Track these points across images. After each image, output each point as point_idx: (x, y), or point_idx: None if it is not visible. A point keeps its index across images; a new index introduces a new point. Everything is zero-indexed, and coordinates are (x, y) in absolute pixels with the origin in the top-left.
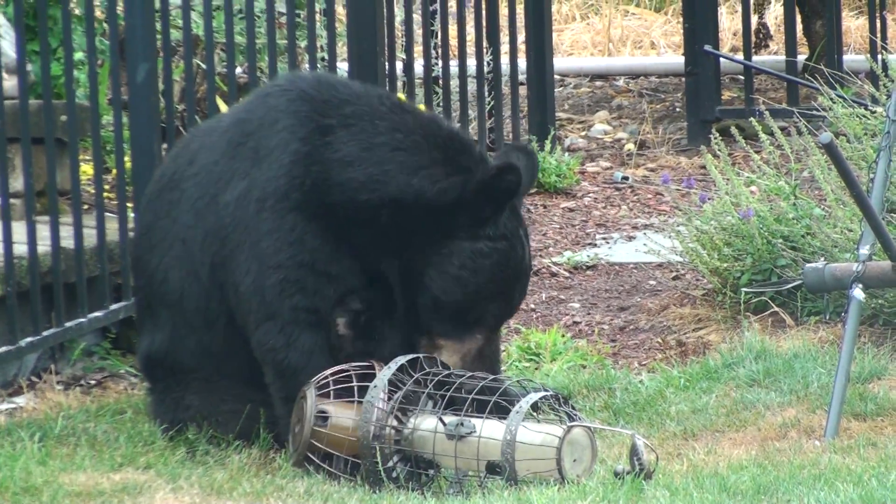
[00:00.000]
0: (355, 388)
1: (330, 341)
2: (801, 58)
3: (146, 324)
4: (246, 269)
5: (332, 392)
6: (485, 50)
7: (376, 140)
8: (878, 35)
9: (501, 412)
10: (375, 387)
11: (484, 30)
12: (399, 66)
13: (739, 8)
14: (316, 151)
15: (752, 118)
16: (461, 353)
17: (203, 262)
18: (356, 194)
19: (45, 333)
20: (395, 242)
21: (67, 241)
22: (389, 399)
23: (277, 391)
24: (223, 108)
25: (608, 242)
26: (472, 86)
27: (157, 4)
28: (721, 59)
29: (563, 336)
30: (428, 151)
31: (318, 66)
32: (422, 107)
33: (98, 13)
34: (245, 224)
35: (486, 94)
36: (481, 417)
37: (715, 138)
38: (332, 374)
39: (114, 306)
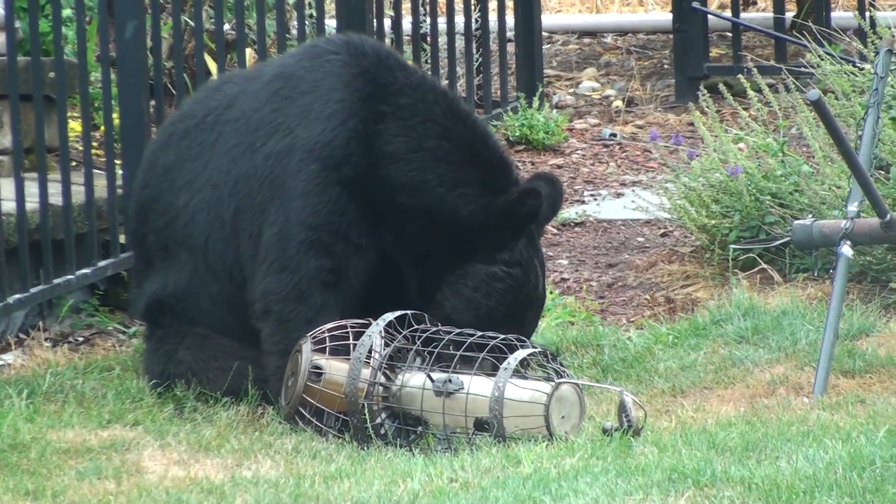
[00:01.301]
0: (351, 346)
1: (346, 305)
2: (790, 15)
3: (159, 266)
4: (273, 220)
5: (328, 348)
6: (473, 6)
7: (425, 144)
8: None
9: (490, 369)
10: (363, 343)
11: None
12: (387, 22)
13: None
14: (371, 136)
15: (740, 75)
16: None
17: (229, 207)
18: (395, 194)
19: (33, 290)
20: (416, 250)
21: (55, 197)
22: (378, 355)
23: (275, 344)
24: (212, 65)
25: (596, 199)
26: (460, 43)
27: None
28: (709, 16)
29: (551, 293)
30: (469, 168)
31: (307, 23)
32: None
33: None
34: (282, 179)
35: (475, 51)
36: (469, 374)
37: (703, 95)
38: (330, 330)
39: (102, 263)
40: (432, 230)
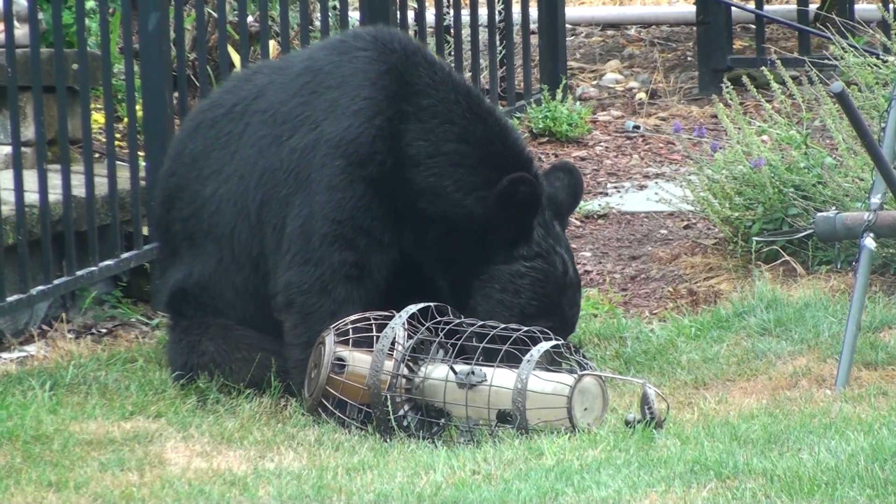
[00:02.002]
0: (374, 338)
1: (368, 299)
2: (813, 7)
3: (184, 255)
4: (297, 213)
5: (351, 340)
6: None
7: (443, 148)
8: None
9: (513, 361)
10: (386, 335)
11: None
12: (411, 14)
13: None
14: (395, 135)
15: (763, 67)
16: None
17: (255, 198)
18: (416, 198)
19: (56, 282)
20: (438, 255)
21: (79, 189)
22: (401, 347)
23: (298, 336)
24: (235, 57)
25: (619, 191)
26: (483, 35)
27: None
28: (732, 8)
29: None
30: (486, 170)
31: (330, 15)
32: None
33: None
34: (307, 173)
35: (498, 43)
36: (492, 366)
37: (726, 87)
38: (353, 322)
39: (125, 255)
40: (452, 235)
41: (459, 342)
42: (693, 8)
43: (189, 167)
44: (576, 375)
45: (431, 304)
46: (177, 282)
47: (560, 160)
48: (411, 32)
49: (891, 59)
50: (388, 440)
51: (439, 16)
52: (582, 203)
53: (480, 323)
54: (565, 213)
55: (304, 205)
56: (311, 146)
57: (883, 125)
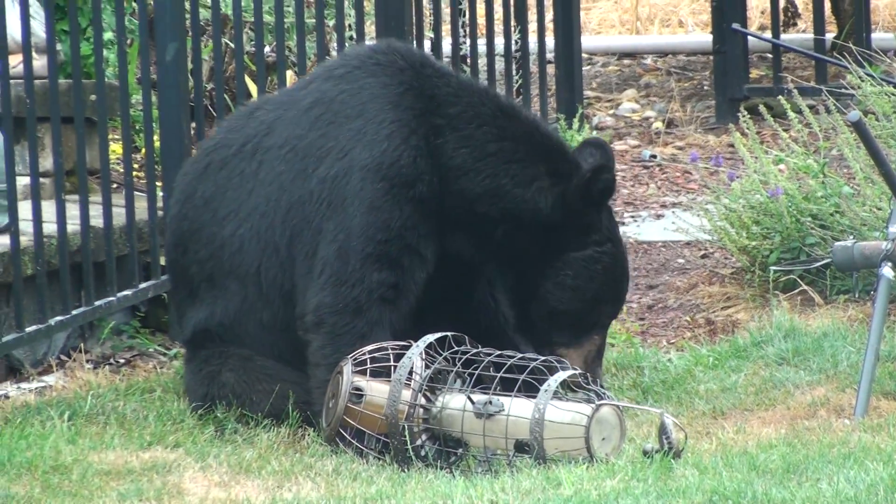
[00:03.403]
0: (392, 367)
1: (400, 320)
2: (830, 36)
3: (203, 297)
4: (332, 238)
5: (368, 370)
6: (513, 28)
7: (488, 149)
8: None
9: (530, 391)
10: (403, 365)
11: (512, 8)
12: (427, 44)
13: None
14: (434, 152)
15: (780, 96)
16: (583, 357)
17: (283, 234)
18: (473, 204)
19: (74, 312)
20: (507, 252)
21: (97, 219)
22: (418, 377)
23: (325, 357)
24: (252, 87)
25: (636, 221)
26: (499, 64)
27: None
28: (749, 38)
29: None
30: (535, 161)
31: (347, 44)
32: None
33: None
34: (342, 199)
35: (514, 72)
36: (510, 396)
37: (743, 116)
38: (371, 352)
39: (143, 285)
40: (519, 230)
41: (477, 371)
42: (709, 37)
43: (202, 210)
44: (593, 405)
45: (448, 333)
46: (198, 322)
47: (588, 137)
48: None
49: None
50: (405, 470)
51: (456, 45)
52: None
53: (498, 353)
54: None
55: (340, 228)
56: (342, 174)
57: None
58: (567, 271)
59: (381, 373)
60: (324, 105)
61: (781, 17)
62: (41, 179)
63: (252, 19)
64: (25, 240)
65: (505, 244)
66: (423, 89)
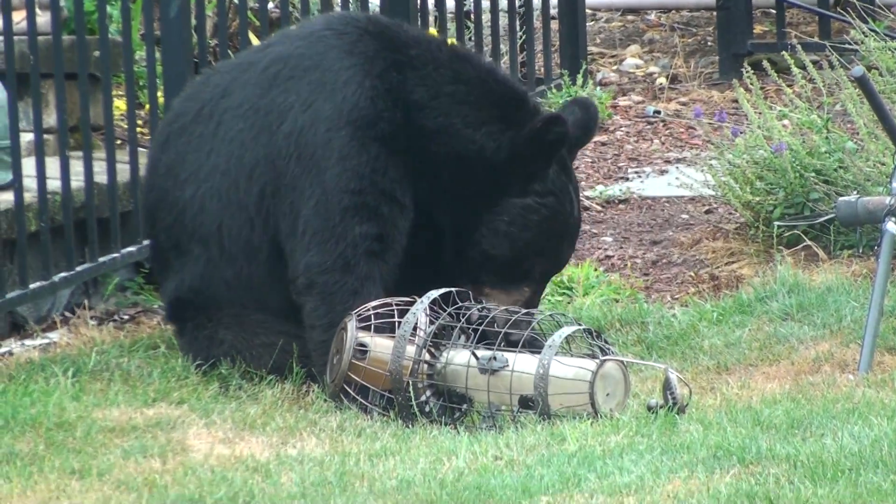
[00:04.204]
0: (396, 323)
1: (390, 273)
2: None
3: (173, 265)
4: (309, 195)
5: (373, 325)
6: None
7: (444, 89)
8: None
9: (534, 346)
10: (407, 321)
11: None
12: (431, 0)
13: None
14: (395, 87)
15: (784, 52)
16: (507, 304)
17: (250, 191)
18: (427, 143)
19: (78, 269)
20: (452, 196)
21: (101, 176)
22: (422, 333)
23: (320, 318)
24: (256, 42)
25: (640, 176)
26: (503, 20)
27: None
28: None
29: (595, 270)
30: (488, 106)
31: (350, 1)
32: (454, 41)
33: None
34: (311, 152)
35: (518, 28)
36: (514, 351)
37: (747, 72)
38: (375, 307)
39: (147, 241)
40: (465, 174)
41: (480, 327)
42: None
43: (165, 177)
44: (598, 361)
45: (453, 289)
46: (171, 292)
47: (578, 95)
48: (431, 18)
49: None
50: (410, 426)
51: (459, 0)
52: (603, 188)
53: (503, 308)
54: (575, 146)
55: (316, 184)
56: (308, 125)
57: None
58: (503, 216)
59: (386, 328)
60: (281, 62)
61: None
62: (45, 136)
63: None
64: (29, 196)
65: (451, 187)
66: (381, 34)
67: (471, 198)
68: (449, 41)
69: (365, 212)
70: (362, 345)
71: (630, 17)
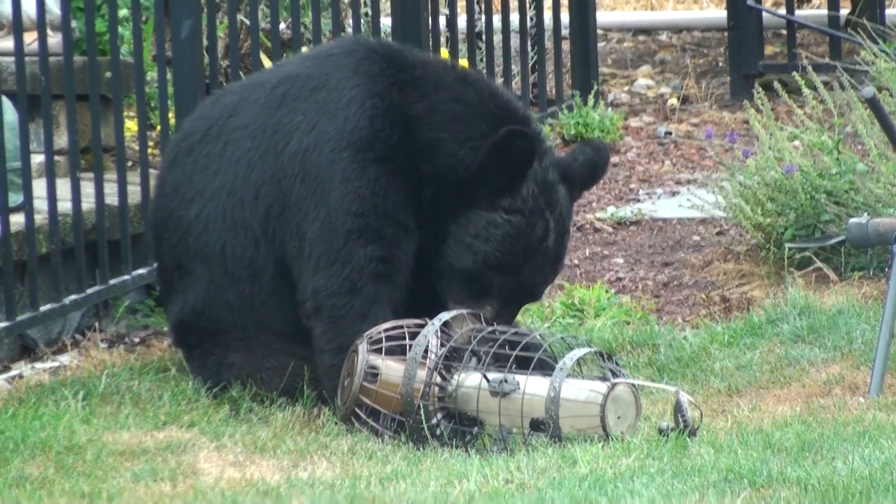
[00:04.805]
0: (407, 346)
1: (398, 293)
2: (844, 12)
3: (177, 286)
4: (315, 216)
5: (384, 348)
6: (528, 4)
7: (440, 107)
8: None
9: (545, 369)
10: (418, 344)
11: None
12: (442, 21)
13: None
14: (395, 106)
15: (795, 73)
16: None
17: (256, 211)
18: (420, 159)
19: (89, 291)
20: (433, 210)
21: (112, 198)
22: (434, 356)
23: (329, 342)
24: (267, 63)
25: (651, 198)
26: (515, 41)
27: None
28: (764, 14)
29: (606, 292)
30: (480, 124)
31: (362, 21)
32: (465, 62)
33: None
34: (315, 173)
35: (530, 49)
36: (525, 374)
37: (758, 93)
38: (386, 330)
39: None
40: (445, 187)
41: (492, 350)
42: (724, 13)
43: (171, 197)
44: (609, 383)
45: (465, 311)
46: (175, 315)
47: (594, 138)
48: (443, 39)
49: None
50: (421, 449)
51: (471, 21)
52: (614, 209)
53: (513, 331)
54: (578, 185)
55: (321, 205)
56: (312, 146)
57: None
58: (469, 228)
59: (397, 351)
60: (289, 81)
61: None
62: (56, 157)
63: None
64: (40, 218)
65: (435, 203)
66: (387, 54)
67: (445, 210)
68: (459, 64)
69: (368, 234)
70: (373, 368)
71: (641, 38)
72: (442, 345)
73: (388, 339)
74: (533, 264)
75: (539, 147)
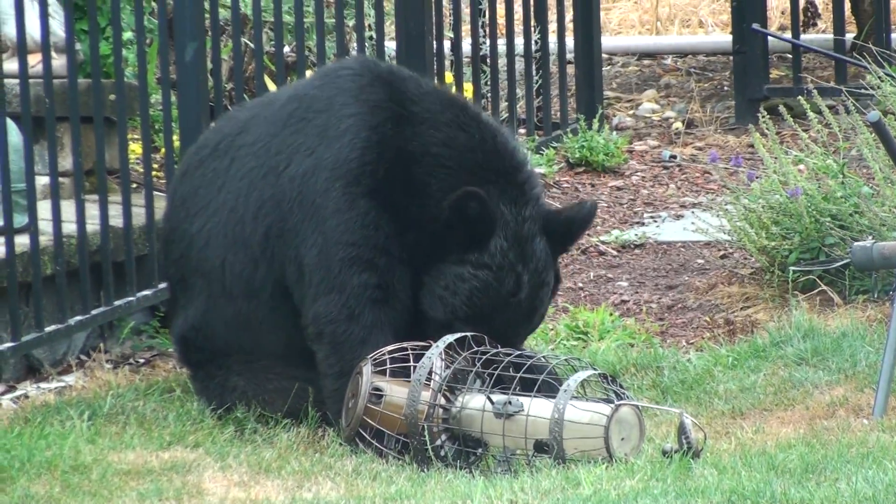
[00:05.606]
0: (412, 367)
1: (399, 317)
2: (850, 36)
3: (179, 300)
4: (312, 242)
5: (388, 370)
6: (533, 28)
7: (431, 150)
8: None
9: (549, 391)
10: (423, 366)
11: (531, 8)
12: (447, 44)
13: None
14: (389, 141)
15: (800, 97)
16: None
17: (255, 230)
18: (409, 202)
19: (94, 312)
20: (412, 254)
21: (116, 219)
22: (438, 378)
23: (331, 366)
24: (271, 87)
25: (656, 221)
26: (519, 65)
27: None
28: (769, 38)
29: (611, 314)
30: (466, 175)
31: (367, 45)
32: (469, 86)
33: None
34: (312, 199)
35: (534, 72)
36: (529, 396)
37: (763, 117)
38: (390, 352)
39: (162, 284)
40: (425, 237)
41: (496, 372)
42: (729, 37)
43: (178, 209)
44: (613, 405)
45: (468, 333)
46: (177, 330)
47: (588, 198)
48: (447, 62)
49: None
50: (425, 470)
51: (475, 45)
52: (618, 232)
53: (517, 353)
54: (559, 241)
55: (318, 232)
56: (310, 172)
57: None
58: (439, 280)
59: (401, 373)
60: (297, 100)
61: (801, 17)
62: (60, 179)
63: (271, 19)
64: (45, 239)
65: (412, 251)
66: (392, 83)
67: (421, 258)
68: (463, 99)
69: (362, 263)
70: (378, 389)
71: (646, 62)
72: (446, 367)
73: (393, 360)
74: (503, 317)
75: (520, 198)
